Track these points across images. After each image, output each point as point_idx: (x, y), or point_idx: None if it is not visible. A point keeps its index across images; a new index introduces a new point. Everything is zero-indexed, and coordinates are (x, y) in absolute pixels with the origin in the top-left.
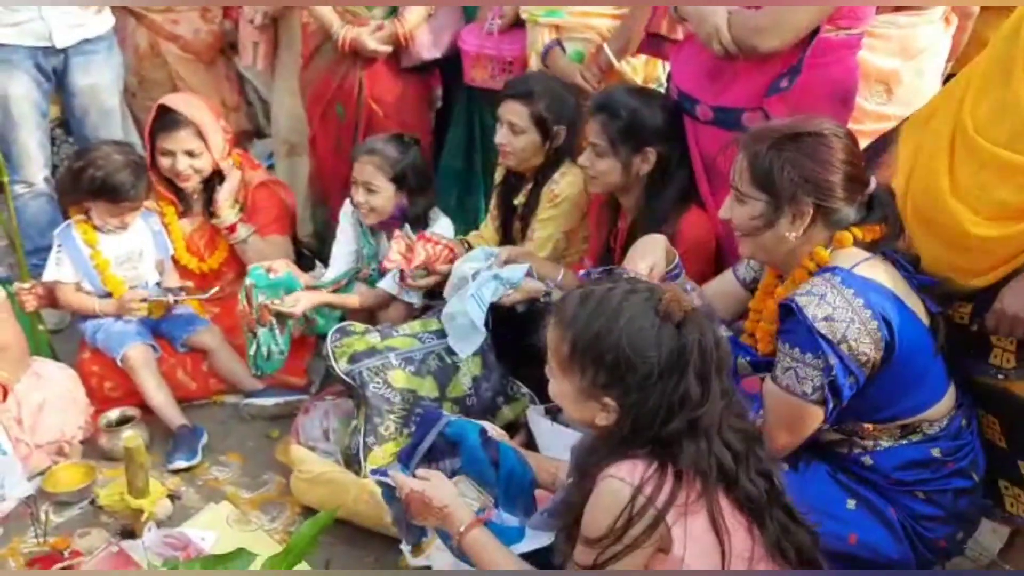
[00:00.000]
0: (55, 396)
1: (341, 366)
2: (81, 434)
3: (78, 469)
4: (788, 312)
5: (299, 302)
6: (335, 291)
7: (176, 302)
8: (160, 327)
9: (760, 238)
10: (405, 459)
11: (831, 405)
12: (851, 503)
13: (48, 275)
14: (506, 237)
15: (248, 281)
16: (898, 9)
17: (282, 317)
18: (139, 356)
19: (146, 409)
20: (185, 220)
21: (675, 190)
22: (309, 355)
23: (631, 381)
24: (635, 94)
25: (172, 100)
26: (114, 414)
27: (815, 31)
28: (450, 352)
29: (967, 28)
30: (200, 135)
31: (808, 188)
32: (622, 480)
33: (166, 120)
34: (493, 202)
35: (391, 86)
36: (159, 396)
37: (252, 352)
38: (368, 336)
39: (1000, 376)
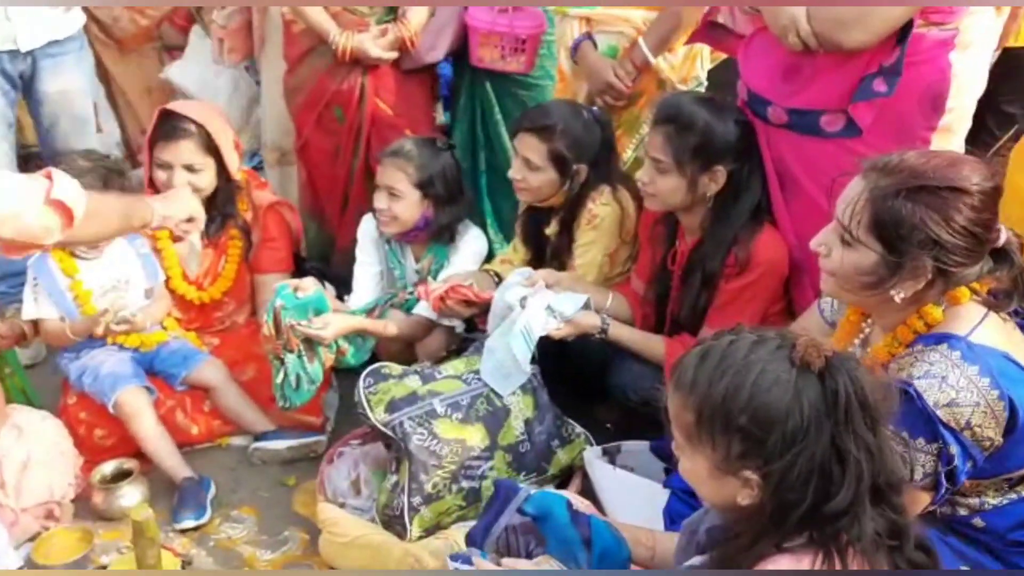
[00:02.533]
0: (41, 451)
1: (378, 416)
2: (72, 492)
3: (72, 534)
4: (902, 394)
5: (329, 325)
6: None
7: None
8: (154, 364)
9: (857, 290)
10: (479, 540)
11: (943, 491)
12: (964, 569)
13: (27, 314)
14: (537, 266)
15: (277, 302)
16: None
17: (311, 343)
18: (134, 401)
19: (143, 457)
20: (181, 244)
21: (745, 210)
22: (324, 390)
23: (773, 446)
24: (705, 105)
25: (179, 106)
26: (108, 468)
27: (907, 26)
28: (499, 394)
29: (1019, 15)
30: (206, 148)
31: (936, 251)
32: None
33: (166, 128)
34: (517, 231)
35: (396, 86)
36: (160, 445)
37: (279, 381)
38: (407, 380)
39: None
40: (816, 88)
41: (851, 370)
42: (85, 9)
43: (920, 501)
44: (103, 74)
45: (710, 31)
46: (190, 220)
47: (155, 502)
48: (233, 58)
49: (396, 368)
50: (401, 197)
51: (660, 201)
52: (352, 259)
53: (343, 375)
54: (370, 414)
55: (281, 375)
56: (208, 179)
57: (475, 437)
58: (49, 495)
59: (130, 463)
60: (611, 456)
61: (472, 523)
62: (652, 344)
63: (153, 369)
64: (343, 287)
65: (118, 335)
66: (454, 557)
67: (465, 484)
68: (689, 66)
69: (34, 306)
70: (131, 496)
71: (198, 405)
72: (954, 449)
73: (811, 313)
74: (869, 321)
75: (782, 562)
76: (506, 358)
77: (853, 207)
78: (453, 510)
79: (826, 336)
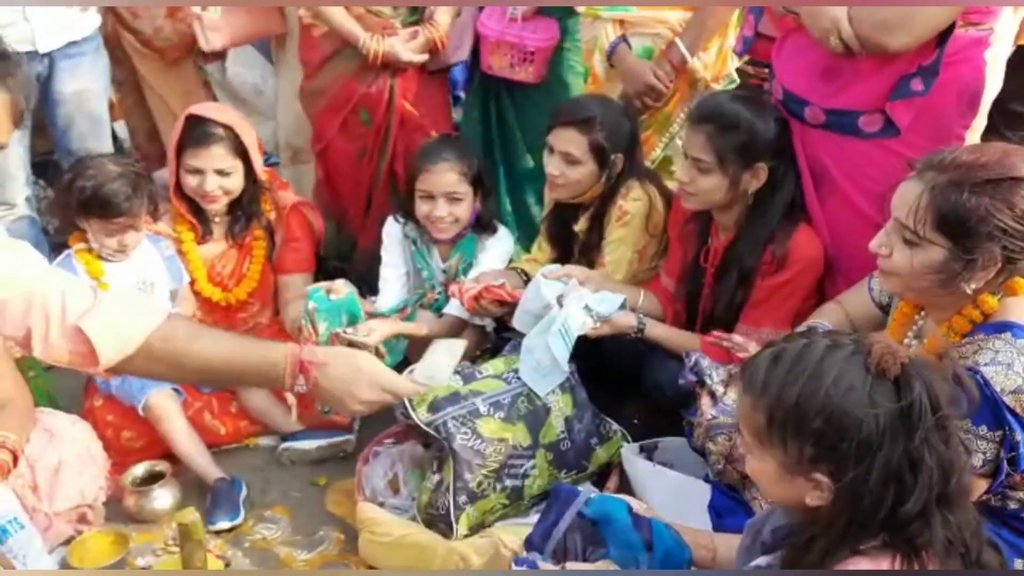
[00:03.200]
0: (72, 455)
1: (421, 415)
2: (103, 495)
3: (106, 537)
4: (956, 380)
5: (374, 332)
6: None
7: None
8: None
9: (924, 286)
10: (539, 543)
11: (1002, 477)
12: (1019, 563)
13: None
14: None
15: (310, 304)
16: None
17: (353, 347)
18: (163, 404)
19: (172, 459)
20: (205, 246)
21: (781, 207)
22: None
23: (846, 452)
24: (745, 103)
25: (203, 109)
26: (140, 470)
27: (949, 28)
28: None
29: None
30: (235, 151)
31: (1004, 240)
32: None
33: (197, 133)
34: (543, 230)
35: (420, 87)
36: (190, 447)
37: None
38: (450, 379)
39: None
40: (856, 89)
41: (926, 377)
42: (118, 20)
43: (978, 488)
44: (134, 82)
45: (739, 36)
46: None
47: (186, 504)
48: (215, 39)
49: None
50: (462, 199)
51: (700, 200)
52: (373, 259)
53: None
54: (413, 414)
55: None
56: (238, 182)
57: (518, 436)
58: (81, 499)
59: (161, 465)
60: (648, 453)
61: (514, 520)
62: (688, 342)
63: None
64: (364, 286)
65: None
66: (519, 561)
67: (508, 483)
68: (721, 64)
69: None
70: (163, 499)
71: (225, 406)
72: (1019, 436)
73: (859, 292)
74: (923, 313)
75: (860, 563)
76: (544, 357)
77: (916, 206)
78: (497, 508)
79: (872, 316)
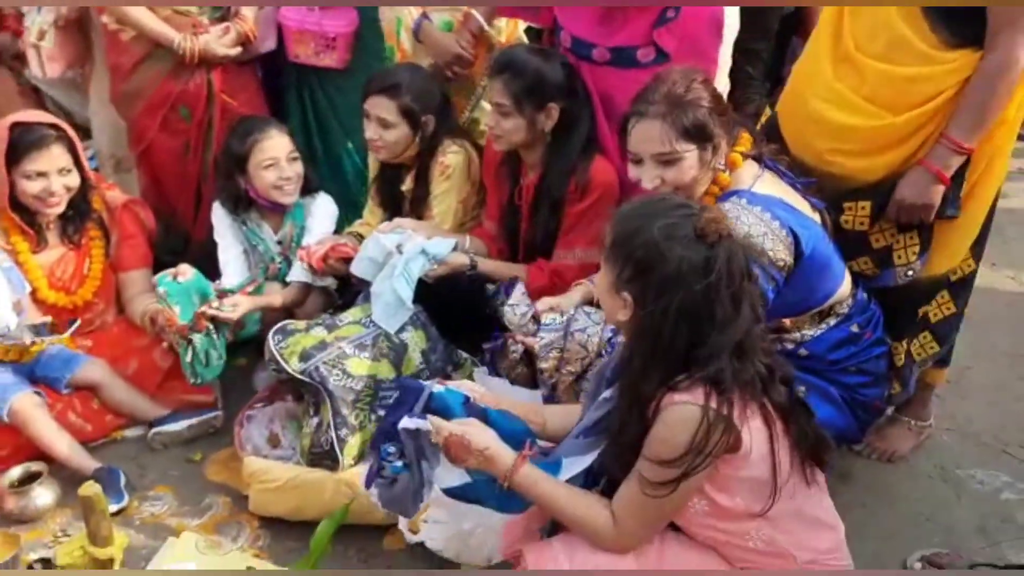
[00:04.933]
0: None
1: (294, 366)
2: None
3: None
4: None
5: (238, 306)
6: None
7: (39, 343)
8: (35, 372)
9: (701, 183)
10: (387, 436)
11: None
12: (802, 389)
13: None
14: None
15: (160, 290)
16: None
17: (217, 322)
18: (27, 406)
19: (44, 460)
20: (42, 254)
21: (578, 142)
22: None
23: (652, 281)
24: (535, 52)
25: (25, 116)
26: (16, 472)
27: None
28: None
29: None
30: (69, 149)
31: (718, 125)
32: (688, 403)
33: (31, 138)
34: (372, 194)
35: (237, 78)
36: (62, 444)
37: (188, 360)
38: (313, 331)
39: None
40: (629, 28)
41: (734, 250)
42: None
43: None
44: None
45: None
46: None
47: (67, 499)
48: (54, 68)
49: (301, 323)
50: (298, 158)
51: (505, 141)
52: (209, 249)
53: None
54: (285, 366)
55: (190, 354)
56: (76, 179)
57: (383, 371)
58: None
59: (37, 465)
60: (496, 373)
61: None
62: (515, 271)
63: (35, 377)
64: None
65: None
66: (380, 452)
67: (381, 413)
68: (512, 28)
69: None
70: (44, 496)
71: (87, 404)
72: (756, 271)
73: None
74: None
75: (684, 393)
76: (391, 299)
77: (661, 135)
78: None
79: None
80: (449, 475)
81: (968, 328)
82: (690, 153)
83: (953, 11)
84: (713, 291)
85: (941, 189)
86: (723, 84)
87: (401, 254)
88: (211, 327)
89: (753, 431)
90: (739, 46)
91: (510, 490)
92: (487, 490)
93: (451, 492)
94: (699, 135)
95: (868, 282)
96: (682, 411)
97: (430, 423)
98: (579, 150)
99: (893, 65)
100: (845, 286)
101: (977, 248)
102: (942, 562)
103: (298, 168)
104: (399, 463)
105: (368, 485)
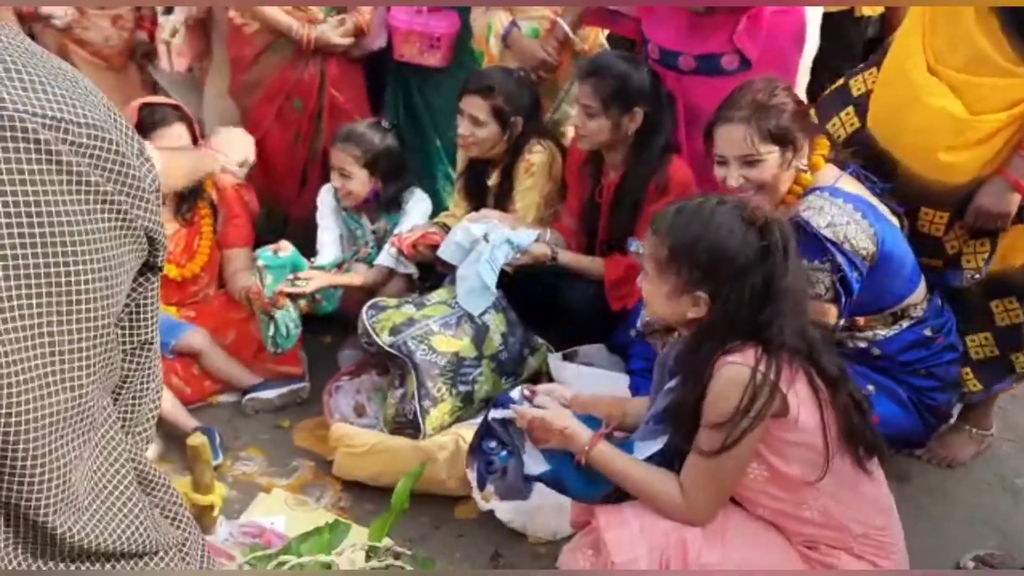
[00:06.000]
0: None
1: (384, 339)
2: None
3: None
4: (795, 228)
5: (311, 281)
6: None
7: None
8: None
9: (782, 182)
10: (484, 436)
11: (844, 299)
12: (870, 387)
13: None
14: None
15: (259, 263)
16: None
17: (294, 297)
18: None
19: None
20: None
21: (659, 145)
22: (300, 344)
23: (723, 275)
24: (622, 59)
25: (153, 99)
26: None
27: None
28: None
29: None
30: (189, 129)
31: (799, 127)
32: (738, 364)
33: (156, 117)
34: (458, 187)
35: (347, 74)
36: (168, 402)
37: (270, 333)
38: (403, 308)
39: (977, 276)
40: (715, 37)
41: (782, 228)
42: (68, 36)
43: (830, 313)
44: None
45: (607, 16)
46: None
47: (168, 454)
48: (181, 63)
49: (392, 300)
50: (351, 177)
51: (590, 140)
52: (308, 230)
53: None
54: (377, 339)
55: (272, 328)
56: None
57: (465, 349)
58: None
59: None
60: (570, 359)
61: (469, 421)
62: (594, 265)
63: None
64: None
65: None
66: (495, 405)
67: (461, 388)
68: (595, 37)
69: None
70: (148, 450)
71: (188, 369)
72: (840, 259)
73: None
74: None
75: (735, 354)
76: (476, 284)
77: (744, 138)
78: (455, 411)
79: None
80: (534, 462)
81: None
82: (772, 155)
83: None
84: (774, 268)
85: (1018, 198)
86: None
87: (488, 242)
88: (289, 303)
89: (800, 396)
90: (822, 63)
91: (588, 467)
92: (569, 476)
93: (536, 479)
94: (780, 138)
95: (934, 278)
96: (732, 371)
97: (513, 411)
98: (659, 154)
99: (972, 76)
100: (920, 290)
101: None
102: (994, 562)
103: (349, 185)
104: (504, 452)
105: (482, 487)
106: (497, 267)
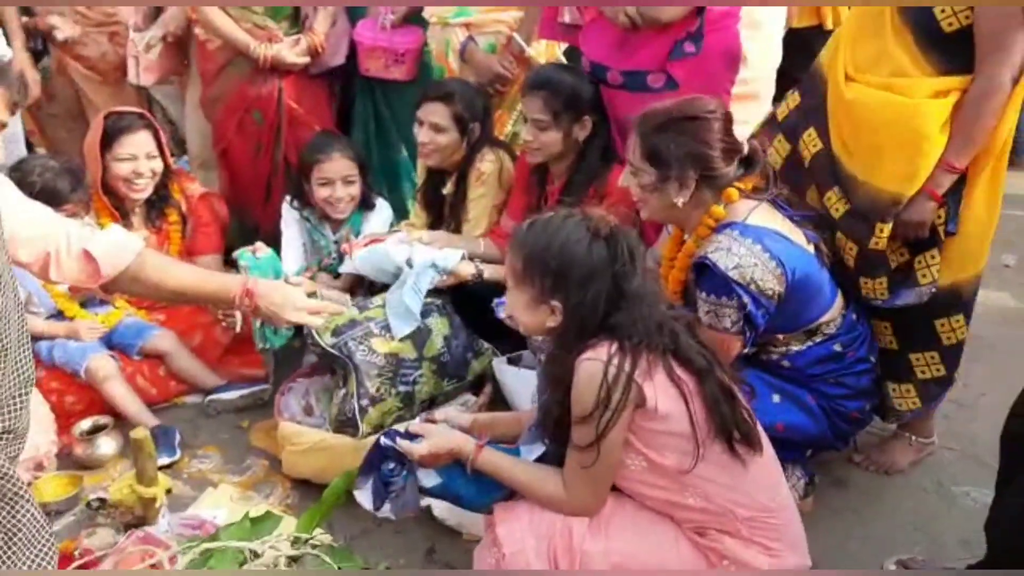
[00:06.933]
0: None
1: (327, 340)
2: (55, 448)
3: (62, 480)
4: (703, 268)
5: (302, 285)
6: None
7: None
8: (112, 339)
9: (651, 203)
10: (380, 459)
11: (748, 334)
12: (776, 397)
13: None
14: (438, 224)
15: (241, 263)
16: None
17: None
18: (103, 366)
19: (111, 415)
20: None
21: (599, 152)
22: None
23: (572, 282)
24: (567, 70)
25: (119, 108)
26: (86, 424)
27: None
28: (421, 316)
29: None
30: (155, 136)
31: (690, 162)
32: (592, 359)
33: (122, 124)
34: (419, 198)
35: (306, 88)
36: (129, 402)
37: (259, 326)
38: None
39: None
40: (642, 54)
41: (626, 236)
42: (65, 51)
43: (734, 345)
44: (71, 112)
45: (562, 29)
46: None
47: (127, 452)
48: (148, 78)
49: None
50: (355, 181)
51: (543, 153)
52: (275, 241)
53: None
54: (320, 340)
55: (259, 322)
56: (160, 165)
57: (405, 351)
58: (35, 452)
59: (105, 419)
60: (514, 362)
61: (408, 423)
62: None
63: (111, 343)
64: None
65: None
66: (387, 433)
67: (401, 388)
68: (551, 50)
69: None
70: (108, 445)
71: (154, 370)
72: (746, 299)
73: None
74: (685, 236)
75: (589, 351)
76: (402, 311)
77: (632, 146)
78: (393, 410)
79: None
80: (426, 476)
81: (992, 355)
82: (646, 175)
83: (942, 41)
84: (624, 273)
85: (933, 206)
86: (766, 110)
87: (411, 267)
88: None
89: (659, 386)
90: (789, 78)
91: (477, 474)
92: (462, 486)
93: (431, 492)
94: (657, 163)
95: (885, 303)
96: (588, 367)
97: (400, 447)
98: (599, 161)
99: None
100: (834, 309)
101: None
102: (916, 567)
103: (352, 191)
104: (403, 472)
105: (379, 507)
106: (422, 294)
